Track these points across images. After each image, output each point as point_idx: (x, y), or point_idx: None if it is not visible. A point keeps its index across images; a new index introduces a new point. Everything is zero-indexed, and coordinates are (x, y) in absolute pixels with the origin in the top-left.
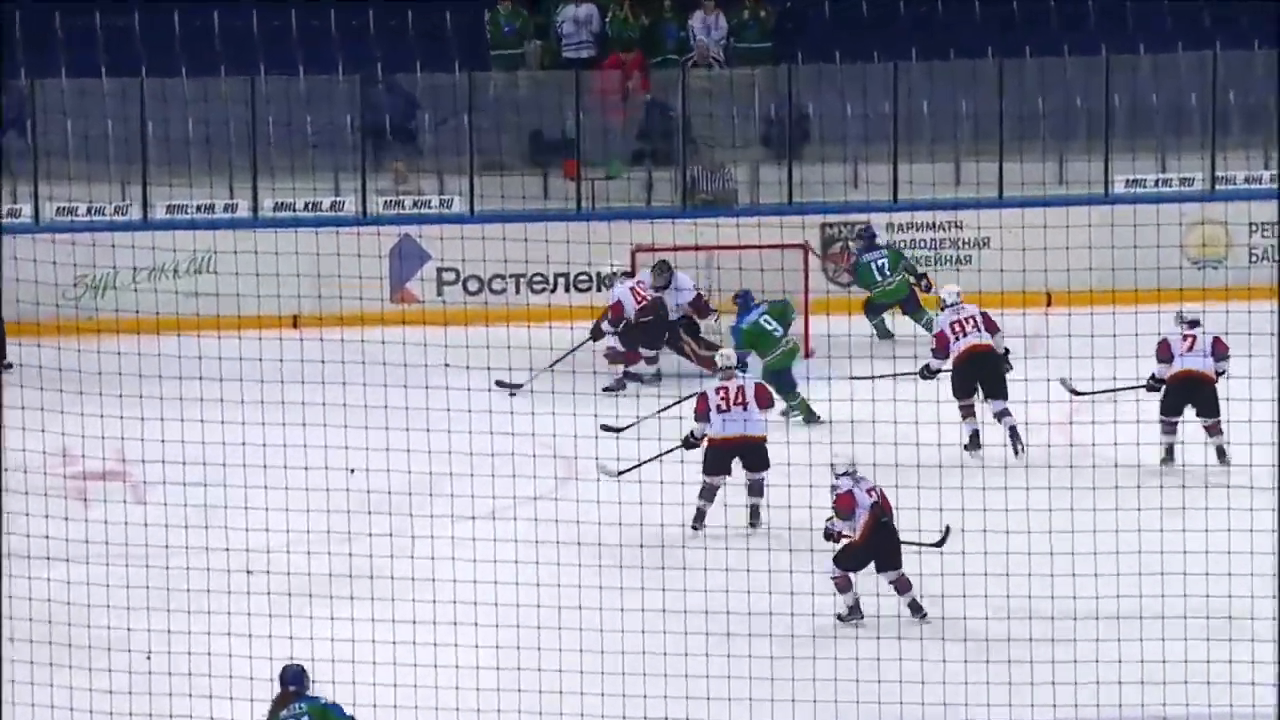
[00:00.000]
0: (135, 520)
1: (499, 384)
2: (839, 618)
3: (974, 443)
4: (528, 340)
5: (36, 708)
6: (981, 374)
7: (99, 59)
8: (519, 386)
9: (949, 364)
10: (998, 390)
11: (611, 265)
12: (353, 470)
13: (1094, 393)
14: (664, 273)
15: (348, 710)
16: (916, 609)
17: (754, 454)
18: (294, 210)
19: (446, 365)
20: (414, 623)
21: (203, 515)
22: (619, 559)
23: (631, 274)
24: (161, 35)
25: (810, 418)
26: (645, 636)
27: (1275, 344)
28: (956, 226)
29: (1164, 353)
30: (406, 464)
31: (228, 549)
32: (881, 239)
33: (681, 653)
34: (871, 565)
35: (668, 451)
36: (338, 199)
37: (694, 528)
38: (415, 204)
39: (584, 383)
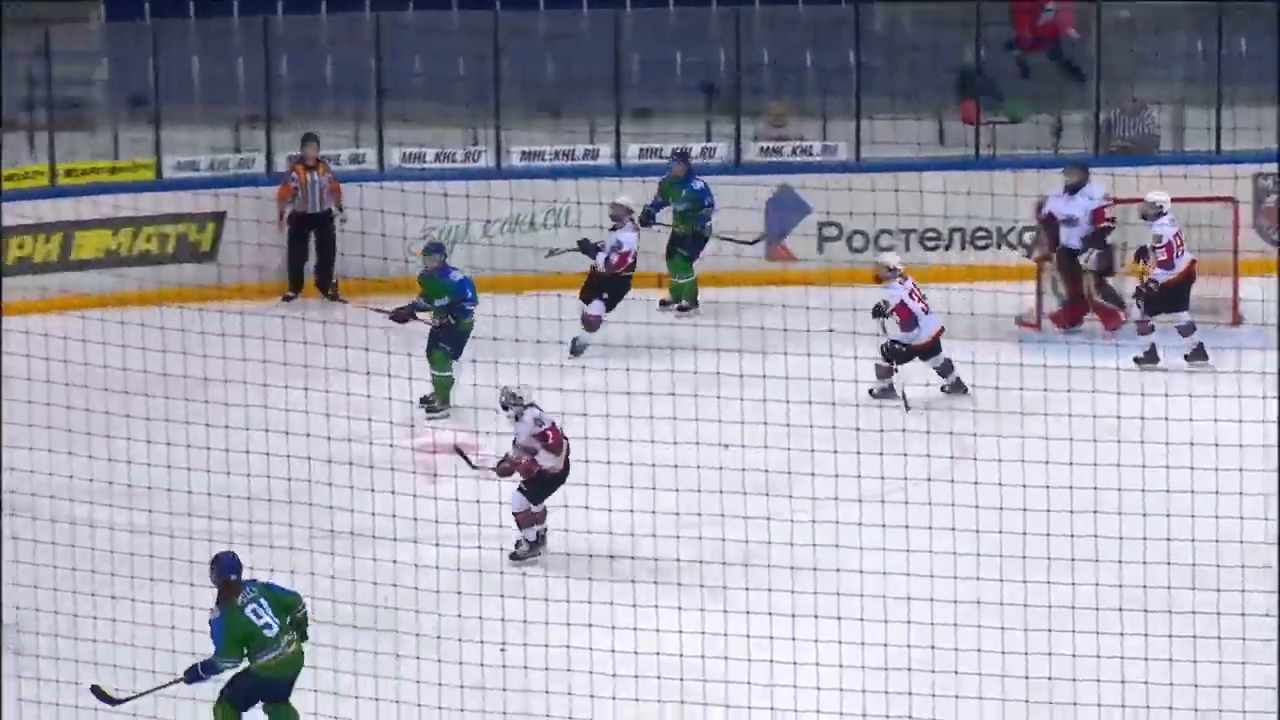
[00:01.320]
0: (488, 499)
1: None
2: None
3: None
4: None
5: (380, 702)
6: None
7: None
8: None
9: None
10: None
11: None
12: (726, 446)
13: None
14: None
15: None
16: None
17: None
18: (660, 156)
19: (830, 331)
20: (792, 616)
21: (560, 496)
22: (1022, 548)
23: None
24: None
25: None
26: (1059, 636)
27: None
28: None
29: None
30: (786, 439)
31: (588, 532)
32: None
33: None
34: None
35: None
36: (709, 145)
37: None
38: (795, 150)
39: (985, 352)
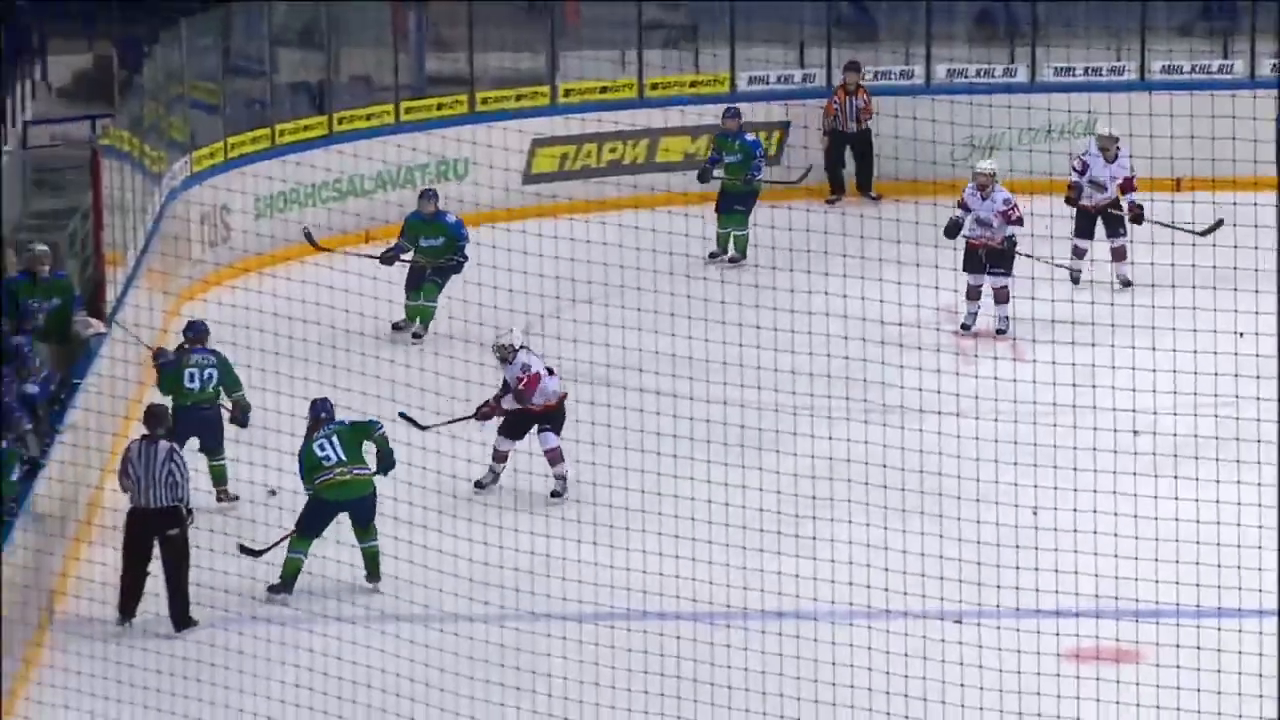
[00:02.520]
0: (1023, 378)
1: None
2: None
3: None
4: None
5: (927, 558)
6: None
7: None
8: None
9: None
10: None
11: None
12: (1241, 334)
13: None
14: None
15: None
16: None
17: None
18: (1181, 73)
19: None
20: None
21: (1088, 375)
22: None
23: None
24: None
25: None
26: None
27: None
28: None
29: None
30: None
31: (1113, 409)
32: None
33: None
34: None
35: None
36: (1225, 62)
37: None
38: None
39: None
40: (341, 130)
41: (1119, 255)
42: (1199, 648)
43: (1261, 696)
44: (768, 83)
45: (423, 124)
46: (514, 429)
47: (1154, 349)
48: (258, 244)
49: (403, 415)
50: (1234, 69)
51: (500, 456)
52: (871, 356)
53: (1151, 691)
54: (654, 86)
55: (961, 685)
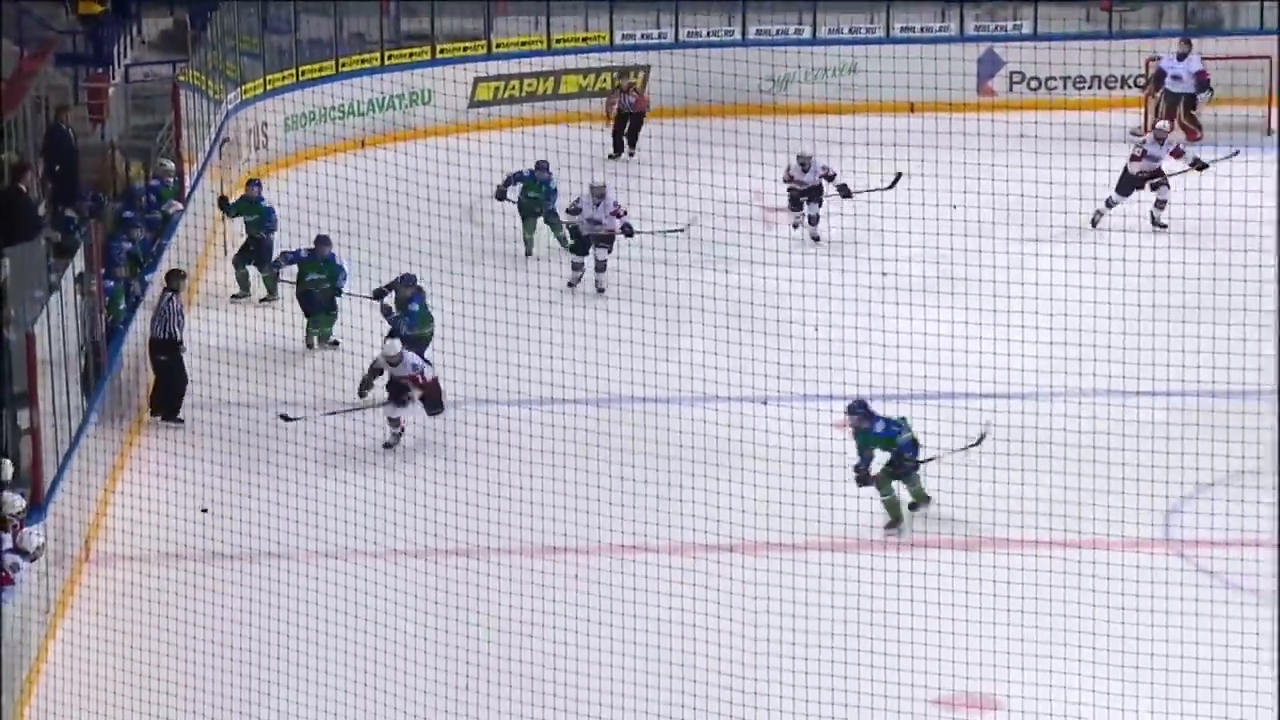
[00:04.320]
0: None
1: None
2: None
3: None
4: None
5: None
6: None
7: None
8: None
9: None
10: None
11: None
12: (954, 206)
13: None
14: None
15: None
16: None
17: None
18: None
19: None
20: None
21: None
22: None
23: None
24: None
25: None
26: None
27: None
28: None
29: None
30: None
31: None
32: None
33: None
34: None
35: None
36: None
37: None
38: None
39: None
40: (345, 70)
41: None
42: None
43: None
44: (636, 39)
45: (400, 66)
46: (400, 397)
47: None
48: (287, 148)
49: (282, 416)
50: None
51: (396, 423)
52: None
53: None
54: (558, 40)
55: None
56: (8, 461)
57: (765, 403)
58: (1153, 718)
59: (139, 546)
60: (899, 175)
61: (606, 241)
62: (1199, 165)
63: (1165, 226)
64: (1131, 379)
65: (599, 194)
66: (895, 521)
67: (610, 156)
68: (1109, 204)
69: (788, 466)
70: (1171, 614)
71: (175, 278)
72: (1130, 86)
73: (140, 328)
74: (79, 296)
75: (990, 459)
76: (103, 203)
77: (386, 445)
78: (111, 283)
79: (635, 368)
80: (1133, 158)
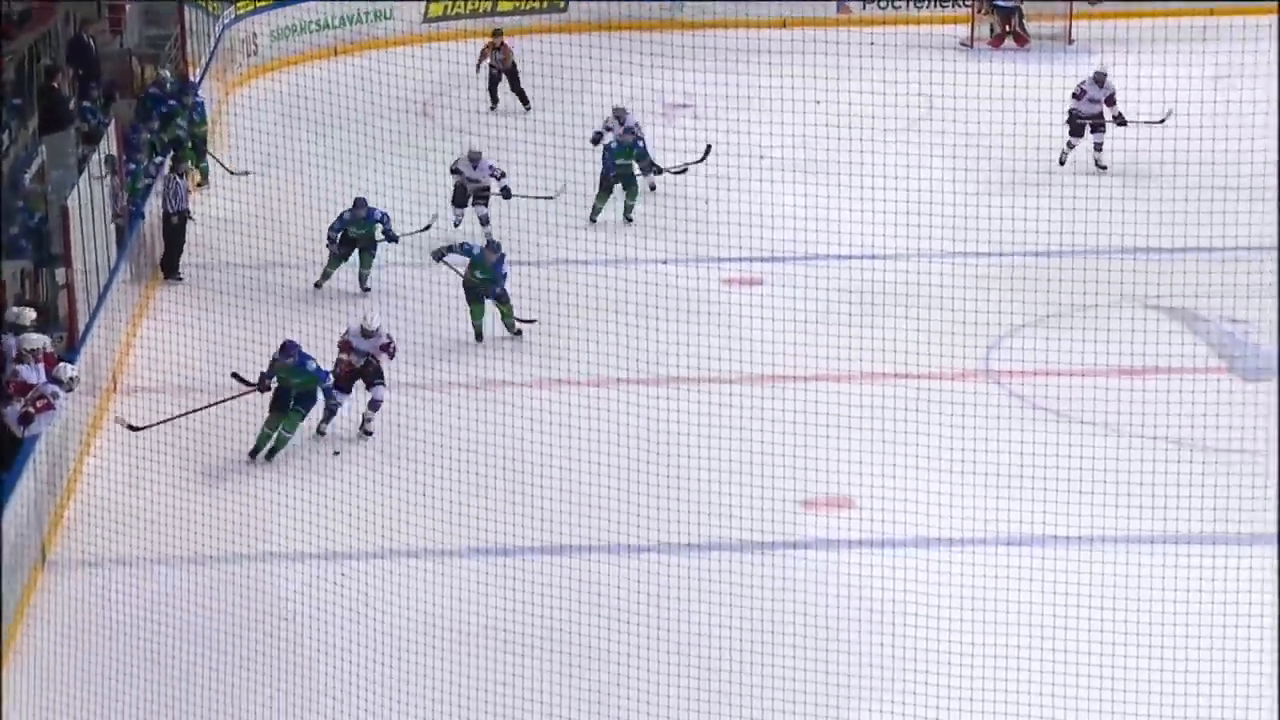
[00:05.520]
0: None
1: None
2: None
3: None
4: None
5: None
6: None
7: None
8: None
9: None
10: None
11: None
12: (819, 100)
13: None
14: None
15: None
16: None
17: None
18: None
19: None
20: None
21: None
22: None
23: None
24: None
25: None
26: None
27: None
28: None
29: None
30: None
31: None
32: None
33: None
34: None
35: None
36: None
37: None
38: None
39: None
40: None
41: None
42: None
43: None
44: None
45: None
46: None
47: None
48: (273, 55)
49: (129, 426)
50: None
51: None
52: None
53: None
54: None
55: None
56: (29, 310)
57: (665, 262)
58: (970, 500)
59: (157, 380)
60: (709, 148)
61: (483, 199)
62: (1120, 120)
63: (1105, 168)
64: (960, 241)
65: (475, 158)
66: None
67: (491, 109)
68: (1069, 145)
69: (676, 314)
70: (990, 429)
71: (179, 163)
72: (961, 5)
73: (156, 202)
74: (106, 176)
75: (848, 309)
76: (116, 99)
77: (364, 432)
78: (132, 165)
79: (556, 241)
80: (1074, 95)
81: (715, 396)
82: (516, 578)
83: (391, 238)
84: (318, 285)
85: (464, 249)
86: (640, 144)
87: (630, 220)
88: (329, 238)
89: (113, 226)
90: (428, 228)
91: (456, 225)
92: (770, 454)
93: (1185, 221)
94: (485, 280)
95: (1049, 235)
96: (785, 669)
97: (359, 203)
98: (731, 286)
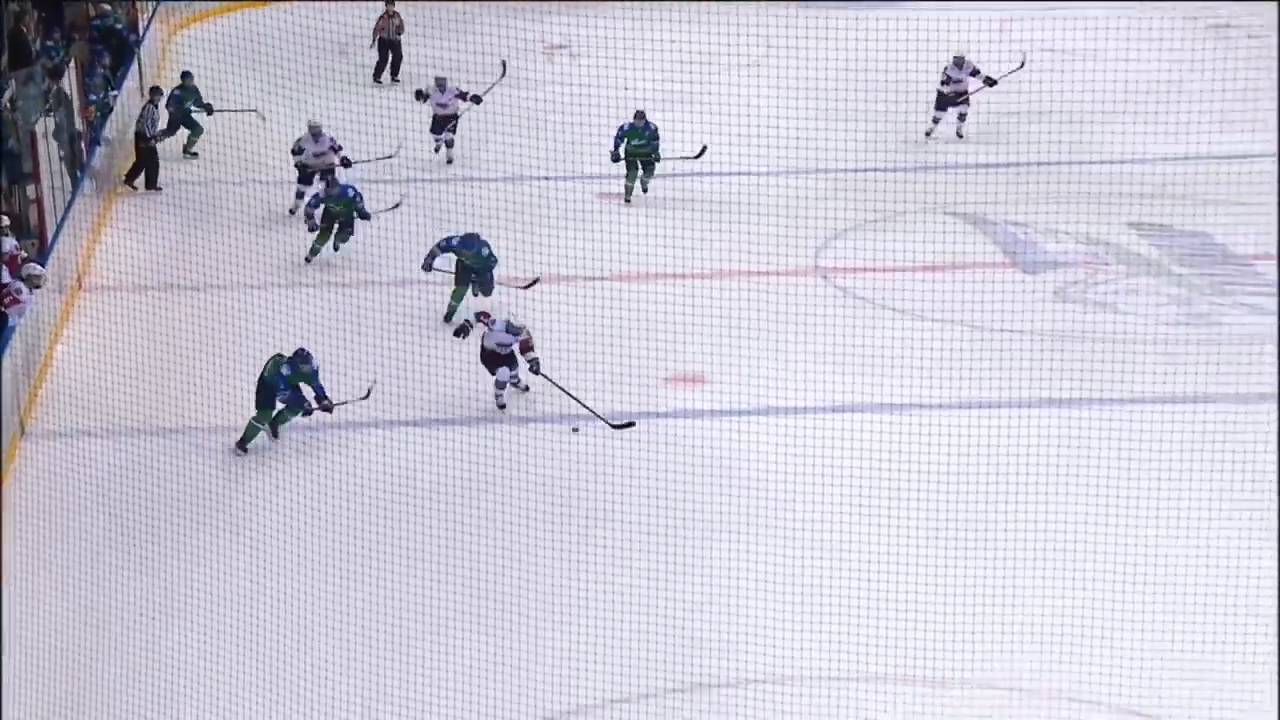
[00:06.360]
0: None
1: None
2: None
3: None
4: None
5: None
6: None
7: None
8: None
9: None
10: None
11: None
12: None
13: None
14: None
15: None
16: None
17: None
18: None
19: None
20: None
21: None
22: None
23: None
24: None
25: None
26: None
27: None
28: None
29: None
30: None
31: None
32: None
33: None
34: None
35: None
36: None
37: None
38: None
39: None
40: None
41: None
42: None
43: None
44: None
45: None
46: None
47: None
48: (211, 5)
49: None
50: None
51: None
52: None
53: None
54: None
55: None
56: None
57: (548, 179)
58: (803, 376)
59: (117, 279)
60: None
61: (328, 174)
62: (989, 81)
63: (963, 138)
64: (794, 159)
65: (315, 132)
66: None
67: (375, 79)
68: (935, 120)
69: (558, 224)
70: (818, 316)
71: (155, 92)
72: None
73: (113, 130)
74: (67, 105)
75: (703, 218)
76: (75, 40)
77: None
78: (93, 97)
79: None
80: (941, 82)
81: (592, 292)
82: (405, 446)
83: (364, 215)
84: (308, 260)
85: (442, 246)
86: (652, 128)
87: (645, 191)
88: (308, 214)
89: (74, 148)
90: (397, 205)
91: (293, 212)
92: (637, 339)
93: (978, 141)
94: (477, 267)
95: (876, 153)
96: (648, 520)
97: (331, 180)
98: (603, 200)
